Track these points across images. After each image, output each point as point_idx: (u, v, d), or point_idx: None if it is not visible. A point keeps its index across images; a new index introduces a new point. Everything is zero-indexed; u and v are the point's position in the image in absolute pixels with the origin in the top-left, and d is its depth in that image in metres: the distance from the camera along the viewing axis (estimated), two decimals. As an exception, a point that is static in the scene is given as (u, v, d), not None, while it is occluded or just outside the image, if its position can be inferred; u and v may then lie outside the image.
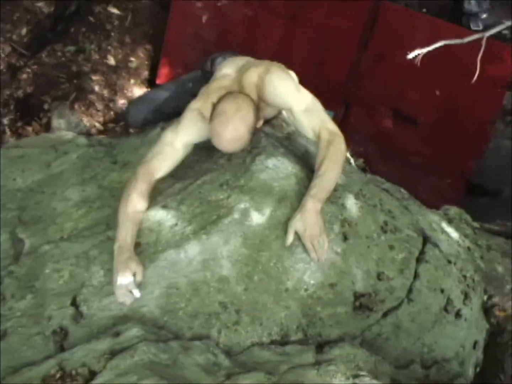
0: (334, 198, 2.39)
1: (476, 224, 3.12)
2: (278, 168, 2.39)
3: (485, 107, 4.89)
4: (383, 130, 5.04)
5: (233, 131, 2.27)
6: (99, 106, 5.06)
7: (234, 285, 2.20)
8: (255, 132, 2.42)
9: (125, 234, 2.26)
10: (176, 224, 2.31)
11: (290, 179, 2.38)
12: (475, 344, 2.63)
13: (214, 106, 2.33)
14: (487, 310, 2.77)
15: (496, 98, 4.89)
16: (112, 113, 5.08)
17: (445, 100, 4.91)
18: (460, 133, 4.93)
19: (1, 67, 4.95)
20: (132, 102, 4.03)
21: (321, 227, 2.23)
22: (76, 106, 4.99)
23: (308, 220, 2.22)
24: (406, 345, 2.38)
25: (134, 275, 2.18)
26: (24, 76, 4.99)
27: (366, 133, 5.02)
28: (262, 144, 2.52)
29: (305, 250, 2.23)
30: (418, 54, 2.32)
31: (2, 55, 4.94)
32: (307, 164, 2.49)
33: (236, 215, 2.26)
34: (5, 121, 4.94)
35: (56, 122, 4.88)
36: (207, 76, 2.85)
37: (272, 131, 2.63)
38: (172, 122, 2.63)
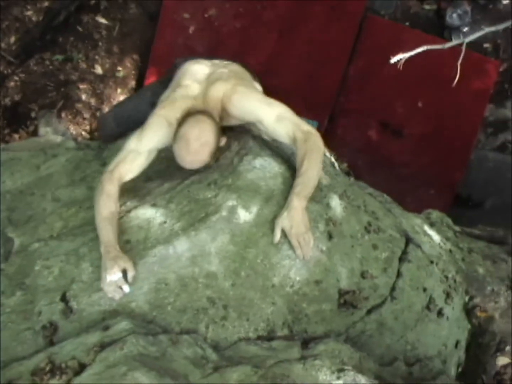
0: (319, 197, 2.45)
1: (457, 228, 3.18)
2: (265, 168, 2.45)
3: (467, 118, 5.00)
4: (370, 142, 5.12)
5: (194, 156, 2.35)
6: (86, 114, 5.09)
7: (222, 280, 2.24)
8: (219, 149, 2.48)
9: (107, 235, 2.31)
10: (165, 222, 2.35)
11: (277, 179, 2.43)
12: (457, 344, 2.69)
13: (178, 127, 2.39)
14: (468, 311, 2.83)
15: (478, 110, 5.00)
16: (98, 122, 5.11)
17: (430, 111, 5.01)
18: (445, 145, 5.02)
19: (-11, 74, 4.98)
20: (102, 119, 3.97)
21: (306, 224, 2.29)
22: (63, 114, 5.02)
23: (295, 217, 2.27)
24: (389, 343, 2.43)
25: (123, 271, 2.22)
26: (12, 84, 5.02)
27: (353, 144, 5.10)
28: (249, 145, 2.58)
29: (291, 247, 2.28)
30: (401, 59, 2.39)
31: (-10, 63, 4.97)
32: (293, 166, 2.54)
33: (224, 213, 2.31)
34: (-7, 128, 4.96)
35: (43, 130, 4.90)
36: (165, 84, 2.88)
37: (259, 133, 2.68)
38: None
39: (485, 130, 5.17)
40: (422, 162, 5.14)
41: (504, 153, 5.17)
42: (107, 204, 2.39)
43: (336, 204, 2.48)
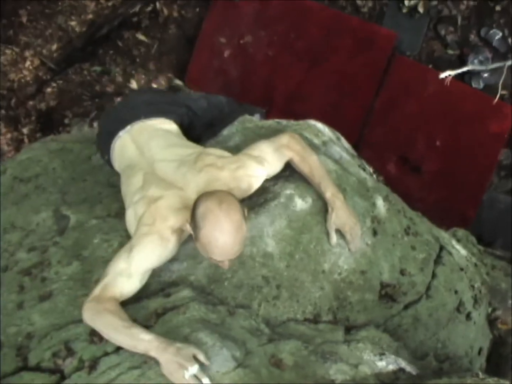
0: (367, 196, 2.62)
1: (480, 247, 3.36)
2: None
3: (482, 160, 5.20)
4: (389, 175, 5.30)
5: (230, 223, 2.01)
6: (117, 126, 5.27)
7: (277, 261, 2.38)
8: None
9: (147, 336, 2.01)
10: (225, 205, 2.49)
11: (331, 174, 2.59)
12: (480, 351, 2.83)
13: (192, 217, 2.07)
14: (490, 322, 2.98)
15: (493, 152, 5.21)
16: (128, 134, 5.28)
17: (447, 150, 5.20)
18: (460, 183, 5.19)
19: (28, 78, 5.17)
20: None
21: (354, 215, 2.43)
22: (95, 124, 5.20)
23: (343, 215, 2.40)
24: (423, 339, 2.56)
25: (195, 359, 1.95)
26: (49, 90, 5.22)
27: (373, 176, 5.28)
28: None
29: (342, 236, 2.43)
30: (449, 75, 2.60)
31: (31, 67, 5.17)
32: (343, 167, 2.72)
33: (282, 199, 2.45)
34: (25, 130, 5.13)
35: (75, 137, 5.07)
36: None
37: (310, 137, 2.86)
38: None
39: (498, 172, 5.37)
40: (437, 199, 5.32)
41: (515, 196, 5.38)
42: (119, 315, 2.08)
43: (380, 204, 2.64)
